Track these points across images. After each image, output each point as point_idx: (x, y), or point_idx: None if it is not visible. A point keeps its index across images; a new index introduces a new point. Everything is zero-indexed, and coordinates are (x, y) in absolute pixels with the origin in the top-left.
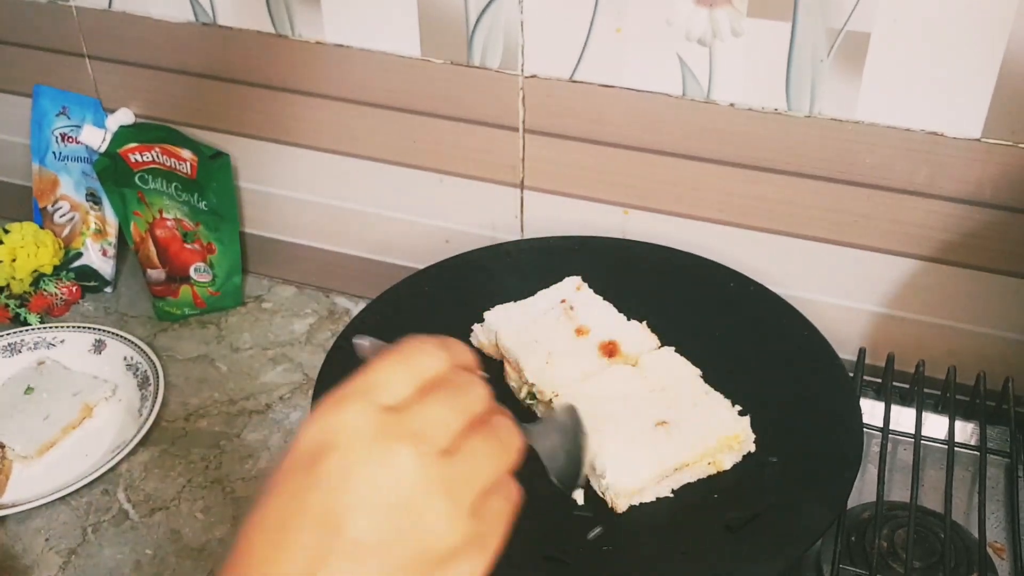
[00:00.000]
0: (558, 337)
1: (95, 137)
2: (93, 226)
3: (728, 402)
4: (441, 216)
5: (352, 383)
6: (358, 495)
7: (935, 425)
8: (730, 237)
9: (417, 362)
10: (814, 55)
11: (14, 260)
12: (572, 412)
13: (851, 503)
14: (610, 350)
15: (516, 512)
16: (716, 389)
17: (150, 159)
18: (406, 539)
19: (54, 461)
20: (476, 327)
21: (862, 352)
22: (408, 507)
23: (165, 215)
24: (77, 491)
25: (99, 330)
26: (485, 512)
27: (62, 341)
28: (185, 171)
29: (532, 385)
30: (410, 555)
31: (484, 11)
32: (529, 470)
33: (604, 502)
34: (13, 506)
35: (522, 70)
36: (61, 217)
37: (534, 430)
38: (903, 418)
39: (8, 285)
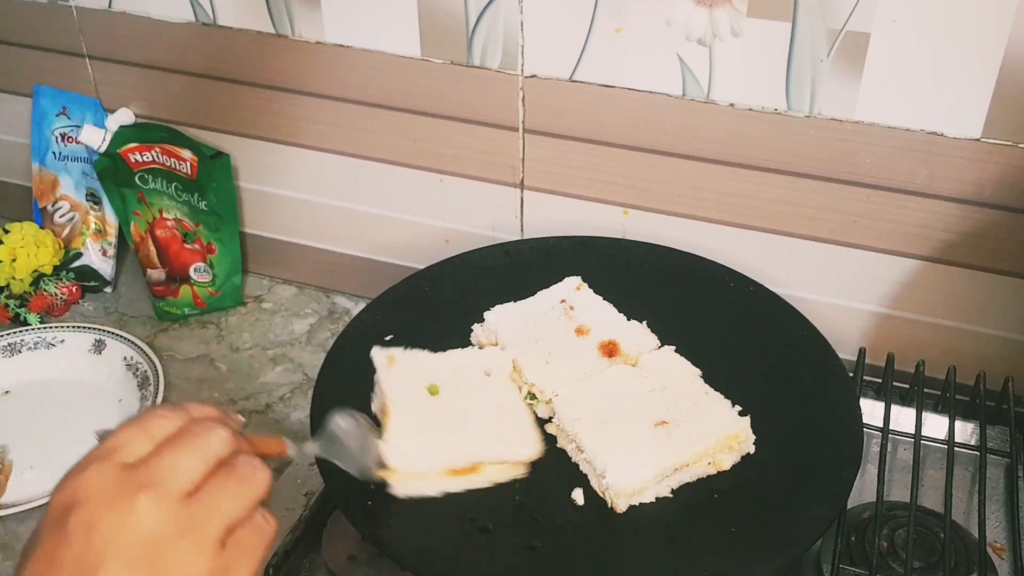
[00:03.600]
0: (558, 337)
1: (95, 137)
2: (93, 226)
3: (728, 402)
4: (441, 216)
5: (93, 451)
6: (105, 542)
7: (935, 425)
8: (730, 237)
9: (153, 425)
10: (814, 55)
11: (14, 260)
12: (349, 416)
13: (851, 503)
14: (610, 350)
15: (271, 541)
16: (716, 389)
17: (150, 159)
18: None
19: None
20: (476, 327)
21: (862, 352)
22: (155, 547)
23: (165, 215)
24: None
25: (99, 330)
26: (233, 545)
27: (62, 341)
28: (185, 171)
29: (532, 385)
30: None
31: (484, 11)
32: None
33: (604, 502)
34: (14, 506)
35: (522, 70)
36: (61, 217)
37: (320, 444)
38: (903, 418)
39: (8, 285)
